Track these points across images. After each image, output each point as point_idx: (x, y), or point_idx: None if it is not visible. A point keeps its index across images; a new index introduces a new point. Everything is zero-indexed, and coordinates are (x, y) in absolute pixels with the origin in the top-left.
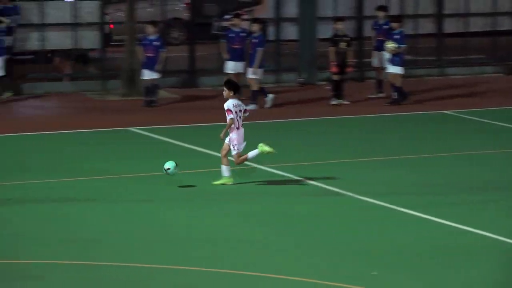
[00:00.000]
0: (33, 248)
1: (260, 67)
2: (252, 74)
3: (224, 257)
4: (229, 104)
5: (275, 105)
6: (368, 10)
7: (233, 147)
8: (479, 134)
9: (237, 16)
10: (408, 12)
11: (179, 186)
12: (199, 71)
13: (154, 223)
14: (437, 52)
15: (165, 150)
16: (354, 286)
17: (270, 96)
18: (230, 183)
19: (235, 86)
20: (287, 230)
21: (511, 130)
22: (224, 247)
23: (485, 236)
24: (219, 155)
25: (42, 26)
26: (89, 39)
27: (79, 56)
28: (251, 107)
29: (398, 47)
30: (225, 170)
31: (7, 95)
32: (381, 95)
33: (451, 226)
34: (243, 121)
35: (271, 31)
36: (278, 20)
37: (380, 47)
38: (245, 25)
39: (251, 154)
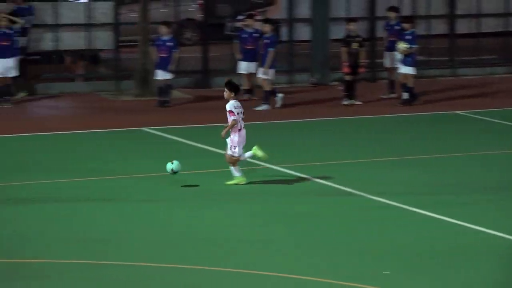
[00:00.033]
0: (45, 247)
1: (271, 67)
2: (263, 74)
3: (237, 257)
4: (231, 105)
5: (288, 105)
6: (380, 11)
7: (230, 148)
8: (491, 134)
9: (250, 16)
10: (420, 12)
11: (191, 186)
12: (212, 71)
13: (163, 223)
14: (449, 53)
15: (178, 150)
16: (367, 286)
17: (280, 95)
18: (243, 182)
19: (236, 87)
20: (299, 229)
21: None
22: (238, 247)
23: (498, 236)
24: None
25: (56, 27)
26: (103, 40)
27: (89, 57)
28: (263, 107)
29: (410, 47)
30: (235, 170)
31: (21, 95)
32: (393, 95)
33: (463, 226)
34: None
35: (284, 31)
36: (291, 20)
37: (391, 48)
38: (258, 25)
39: (244, 156)
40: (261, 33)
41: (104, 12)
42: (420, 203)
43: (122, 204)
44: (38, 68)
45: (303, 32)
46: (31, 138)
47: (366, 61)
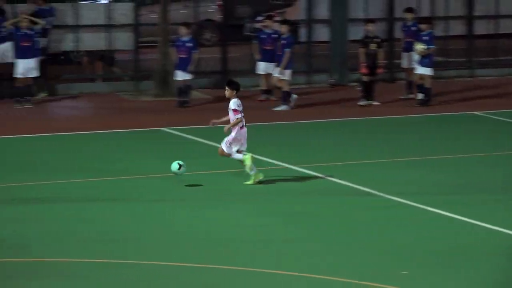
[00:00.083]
0: (63, 246)
1: (288, 68)
2: (278, 74)
3: (252, 256)
4: (234, 104)
5: (306, 105)
6: (399, 12)
7: (226, 143)
8: (509, 134)
9: (269, 17)
10: (438, 14)
11: (209, 186)
12: (231, 72)
13: (180, 222)
14: (467, 54)
15: (197, 150)
16: (385, 285)
17: (294, 96)
18: (261, 177)
19: (237, 85)
20: (317, 229)
21: None
22: (255, 246)
23: (510, 234)
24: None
25: (76, 28)
26: (123, 41)
27: (104, 57)
28: (282, 107)
29: (427, 48)
30: (250, 168)
31: (42, 95)
32: (411, 96)
33: (479, 225)
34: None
35: (302, 32)
36: (310, 21)
37: (409, 49)
38: (277, 26)
39: (235, 155)
40: (280, 34)
41: (124, 13)
42: (437, 203)
43: (139, 203)
44: (59, 68)
45: (322, 33)
46: (50, 138)
47: (384, 61)
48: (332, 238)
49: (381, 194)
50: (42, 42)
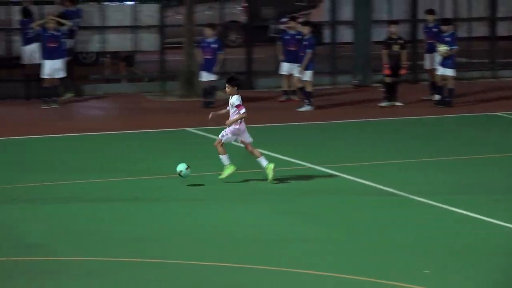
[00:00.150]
0: (84, 245)
1: (310, 69)
2: (298, 75)
3: (277, 255)
4: (238, 99)
5: (330, 106)
6: (422, 14)
7: (224, 133)
8: None
9: (293, 19)
10: (461, 15)
11: (230, 186)
12: (256, 72)
13: (205, 221)
14: (490, 55)
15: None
16: (408, 285)
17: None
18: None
19: (239, 82)
20: (341, 229)
21: None
22: (277, 246)
23: None
24: (276, 155)
25: (103, 29)
26: (149, 42)
27: (124, 58)
28: (306, 108)
29: (450, 49)
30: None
31: (68, 95)
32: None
33: (504, 226)
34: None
35: (327, 34)
36: (334, 23)
37: (431, 50)
38: (300, 28)
39: (223, 157)
40: (303, 35)
41: (150, 14)
42: (458, 203)
43: (156, 203)
44: (85, 69)
45: (346, 34)
46: (75, 138)
47: (407, 63)
48: (355, 237)
49: (404, 194)
50: (68, 43)
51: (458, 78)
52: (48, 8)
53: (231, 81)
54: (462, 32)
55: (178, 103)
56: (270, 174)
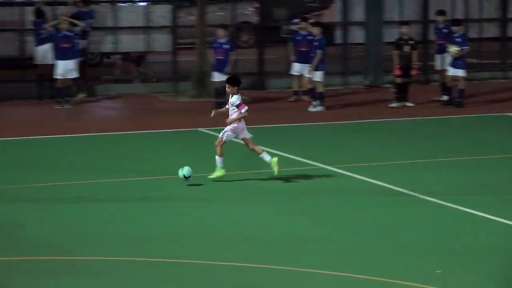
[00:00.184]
0: (100, 245)
1: (320, 69)
2: (308, 75)
3: (291, 256)
4: (239, 99)
5: (341, 106)
6: (433, 14)
7: (224, 132)
8: None
9: (304, 19)
10: (472, 16)
11: (243, 186)
12: (268, 73)
13: (216, 221)
14: (501, 56)
15: (233, 150)
16: (424, 285)
17: (315, 103)
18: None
19: (239, 82)
20: (352, 229)
21: None
22: (292, 246)
23: None
24: (287, 155)
25: (115, 29)
26: (161, 42)
27: (134, 58)
28: (318, 108)
29: (461, 49)
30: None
31: (81, 96)
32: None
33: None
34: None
35: (338, 34)
36: (346, 24)
37: (441, 50)
38: (312, 28)
39: (218, 159)
40: (314, 36)
41: (162, 15)
42: (469, 203)
43: (176, 203)
44: (98, 69)
45: (357, 35)
46: (88, 138)
47: (418, 63)
48: (369, 237)
49: (414, 193)
50: (81, 43)
51: (469, 78)
52: (61, 9)
53: (231, 81)
54: (473, 33)
55: (190, 104)
56: (275, 168)
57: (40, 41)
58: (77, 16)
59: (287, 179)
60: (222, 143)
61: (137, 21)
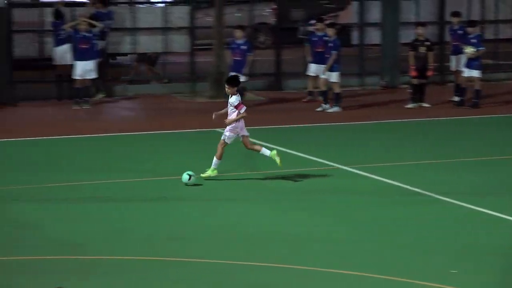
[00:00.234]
0: (118, 245)
1: (336, 70)
2: (323, 76)
3: (303, 255)
4: (236, 99)
5: (358, 107)
6: (449, 16)
7: (226, 133)
8: None
9: (320, 20)
10: (488, 17)
11: (259, 186)
12: (285, 74)
13: (233, 221)
14: None
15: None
16: (442, 285)
17: (326, 106)
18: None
19: (238, 83)
20: (368, 229)
21: None
22: (305, 245)
23: None
24: (303, 155)
25: (134, 30)
26: (179, 43)
27: (148, 59)
28: (334, 109)
29: (477, 50)
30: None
31: (100, 96)
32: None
33: None
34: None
35: (355, 35)
36: (362, 25)
37: (456, 51)
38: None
39: (215, 160)
40: (330, 37)
41: (180, 16)
42: (485, 203)
43: (192, 202)
44: (117, 70)
45: (374, 36)
46: (106, 138)
47: (434, 64)
48: (387, 238)
49: (430, 194)
50: (100, 44)
51: (485, 79)
52: (80, 10)
53: (230, 82)
54: (489, 34)
55: (208, 104)
56: (277, 159)
57: (59, 42)
58: (95, 17)
59: (304, 178)
60: (224, 145)
61: (155, 22)
